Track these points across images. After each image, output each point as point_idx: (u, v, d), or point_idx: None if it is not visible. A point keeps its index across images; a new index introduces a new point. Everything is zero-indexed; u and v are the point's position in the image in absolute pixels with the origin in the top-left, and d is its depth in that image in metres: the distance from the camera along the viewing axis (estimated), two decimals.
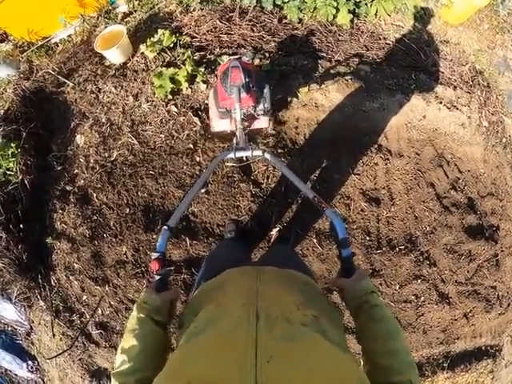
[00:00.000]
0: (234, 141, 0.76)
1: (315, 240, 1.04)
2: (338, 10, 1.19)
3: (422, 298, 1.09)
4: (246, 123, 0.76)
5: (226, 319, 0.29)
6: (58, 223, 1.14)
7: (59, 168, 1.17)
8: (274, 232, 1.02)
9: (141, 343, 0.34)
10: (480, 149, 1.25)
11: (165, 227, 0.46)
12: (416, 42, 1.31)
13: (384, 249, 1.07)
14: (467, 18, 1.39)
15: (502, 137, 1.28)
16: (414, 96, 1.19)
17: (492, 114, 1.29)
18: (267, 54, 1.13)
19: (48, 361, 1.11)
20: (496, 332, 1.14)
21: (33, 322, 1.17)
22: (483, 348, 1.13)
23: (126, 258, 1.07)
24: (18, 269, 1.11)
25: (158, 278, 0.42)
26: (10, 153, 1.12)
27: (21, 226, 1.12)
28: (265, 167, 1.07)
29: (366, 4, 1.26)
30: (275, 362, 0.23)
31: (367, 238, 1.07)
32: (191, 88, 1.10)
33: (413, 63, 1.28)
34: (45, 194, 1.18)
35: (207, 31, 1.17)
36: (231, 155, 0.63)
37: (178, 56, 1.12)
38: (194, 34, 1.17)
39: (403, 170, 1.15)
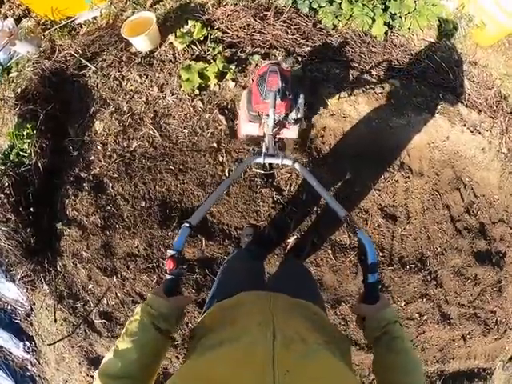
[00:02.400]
0: (263, 146, 0.75)
1: (330, 251, 1.04)
2: (374, 20, 1.16)
3: (425, 317, 1.11)
4: (275, 130, 0.75)
5: (244, 336, 0.30)
6: (70, 209, 1.12)
7: (75, 153, 1.14)
8: (291, 240, 1.02)
9: (139, 351, 0.32)
10: (497, 175, 1.25)
11: (186, 224, 0.42)
12: (446, 60, 1.30)
13: (395, 266, 1.08)
14: (497, 41, 1.37)
15: None
16: (439, 116, 1.18)
17: None
18: (299, 58, 1.11)
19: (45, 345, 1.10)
20: (490, 356, 1.17)
21: (34, 304, 1.16)
22: (476, 370, 1.16)
23: (138, 251, 1.06)
24: (24, 252, 1.09)
25: (170, 277, 0.38)
26: (25, 133, 1.09)
27: (31, 209, 1.09)
28: (288, 174, 1.06)
29: (400, 17, 1.24)
30: (292, 375, 0.25)
31: (380, 253, 1.08)
32: (219, 85, 1.08)
33: (441, 82, 1.26)
34: (58, 179, 1.15)
35: (240, 28, 1.13)
36: (260, 160, 0.61)
37: (209, 50, 1.09)
38: (226, 30, 1.14)
39: (422, 189, 1.15)
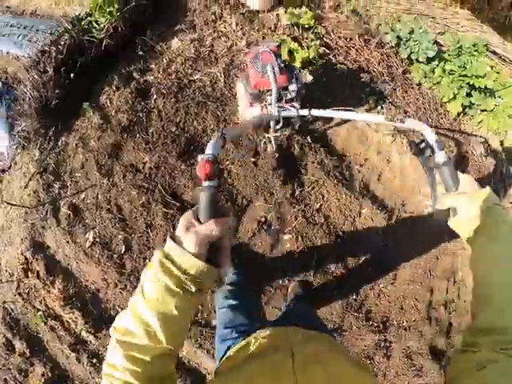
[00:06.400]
0: (272, 99, 0.74)
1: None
2: (454, 97, 1.22)
3: None
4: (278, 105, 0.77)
5: (264, 359, 0.35)
6: (104, 97, 1.10)
7: (140, 53, 1.15)
8: (286, 238, 0.99)
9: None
10: None
11: (219, 133, 0.36)
12: (493, 176, 1.31)
13: (361, 315, 1.06)
14: None
15: None
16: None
17: None
18: (376, 91, 1.15)
19: (3, 203, 1.04)
20: None
21: (15, 163, 1.11)
22: None
23: (143, 167, 1.04)
24: (39, 107, 1.06)
25: (207, 185, 0.29)
26: (108, 10, 1.10)
27: (71, 75, 1.08)
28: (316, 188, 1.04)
29: (476, 110, 1.30)
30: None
31: (353, 296, 1.07)
32: (300, 70, 1.10)
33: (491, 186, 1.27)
34: (111, 66, 1.14)
35: (342, 37, 1.18)
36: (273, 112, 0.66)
37: (307, 39, 1.13)
38: (330, 32, 1.19)
39: (417, 260, 1.16)
